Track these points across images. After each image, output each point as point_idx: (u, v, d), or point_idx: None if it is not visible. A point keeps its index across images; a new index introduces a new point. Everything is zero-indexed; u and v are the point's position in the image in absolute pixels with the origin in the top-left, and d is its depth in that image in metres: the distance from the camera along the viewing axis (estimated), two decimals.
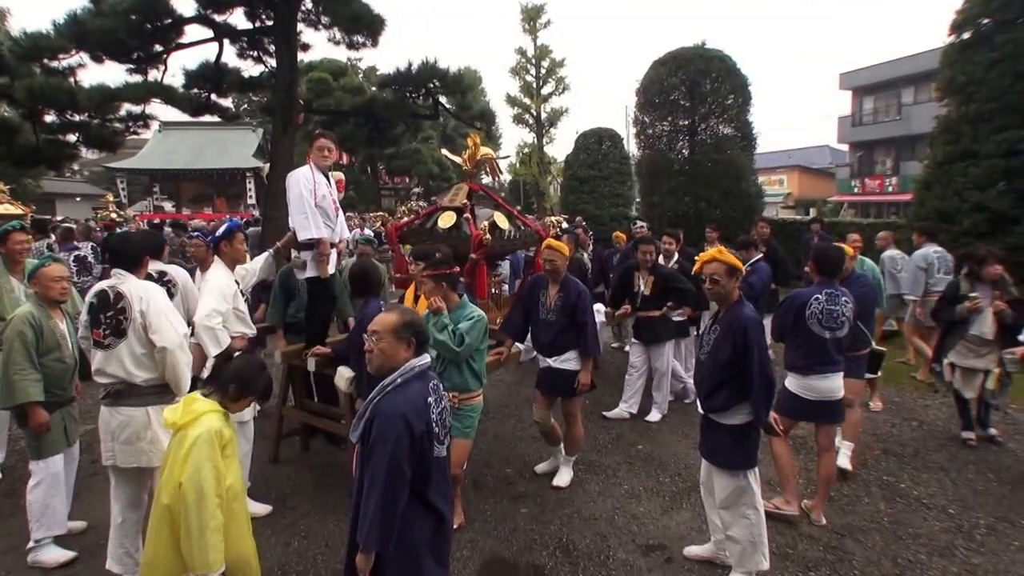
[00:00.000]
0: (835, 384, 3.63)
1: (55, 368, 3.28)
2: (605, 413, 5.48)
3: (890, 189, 26.60)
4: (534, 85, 25.56)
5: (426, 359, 2.20)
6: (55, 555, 3.27)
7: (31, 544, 3.25)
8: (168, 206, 29.53)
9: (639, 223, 9.37)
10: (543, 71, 25.39)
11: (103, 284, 3.06)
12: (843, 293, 3.67)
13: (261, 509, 3.74)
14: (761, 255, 5.95)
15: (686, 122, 12.27)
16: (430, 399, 2.13)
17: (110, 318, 2.93)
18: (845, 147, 31.64)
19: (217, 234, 4.00)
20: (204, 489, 2.20)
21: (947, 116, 8.64)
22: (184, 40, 11.23)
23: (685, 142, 12.45)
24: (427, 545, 2.14)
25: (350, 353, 3.78)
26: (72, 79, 11.19)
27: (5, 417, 4.13)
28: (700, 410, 3.14)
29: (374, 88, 16.39)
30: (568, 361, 4.03)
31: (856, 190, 28.75)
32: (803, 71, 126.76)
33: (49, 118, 11.81)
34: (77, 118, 11.81)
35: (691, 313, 5.60)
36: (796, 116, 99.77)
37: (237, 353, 2.84)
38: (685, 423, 5.26)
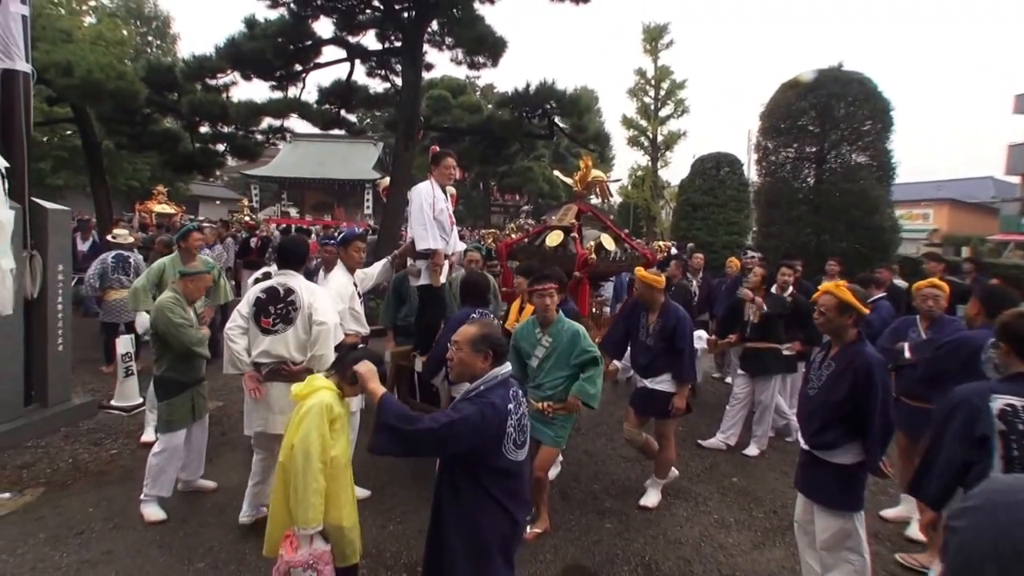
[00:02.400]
0: None
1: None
2: (700, 442, 5.37)
3: None
4: (652, 107, 25.25)
5: (507, 368, 2.32)
6: (154, 513, 3.72)
7: (142, 496, 3.76)
8: (293, 212, 31.89)
9: (750, 253, 9.00)
10: (662, 93, 25.03)
11: (271, 282, 3.56)
12: None
13: (361, 493, 4.01)
14: (884, 293, 5.59)
15: (814, 149, 11.56)
16: (510, 405, 2.21)
17: (280, 309, 3.42)
18: (1015, 179, 27.31)
19: (338, 240, 4.42)
20: (310, 452, 2.45)
21: None
22: (321, 60, 12.02)
23: (811, 170, 11.71)
24: (499, 545, 2.22)
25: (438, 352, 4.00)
26: (225, 95, 12.51)
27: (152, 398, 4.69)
28: (803, 445, 3.04)
29: (491, 106, 16.83)
30: (663, 383, 4.06)
31: None
32: (965, 95, 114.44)
33: (203, 129, 13.30)
34: (226, 130, 13.19)
35: (800, 348, 5.31)
36: (953, 143, 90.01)
37: (361, 345, 3.17)
38: (785, 461, 5.03)
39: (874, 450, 2.77)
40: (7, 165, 2.70)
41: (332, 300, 3.94)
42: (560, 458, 4.47)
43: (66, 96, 9.77)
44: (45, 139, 19.47)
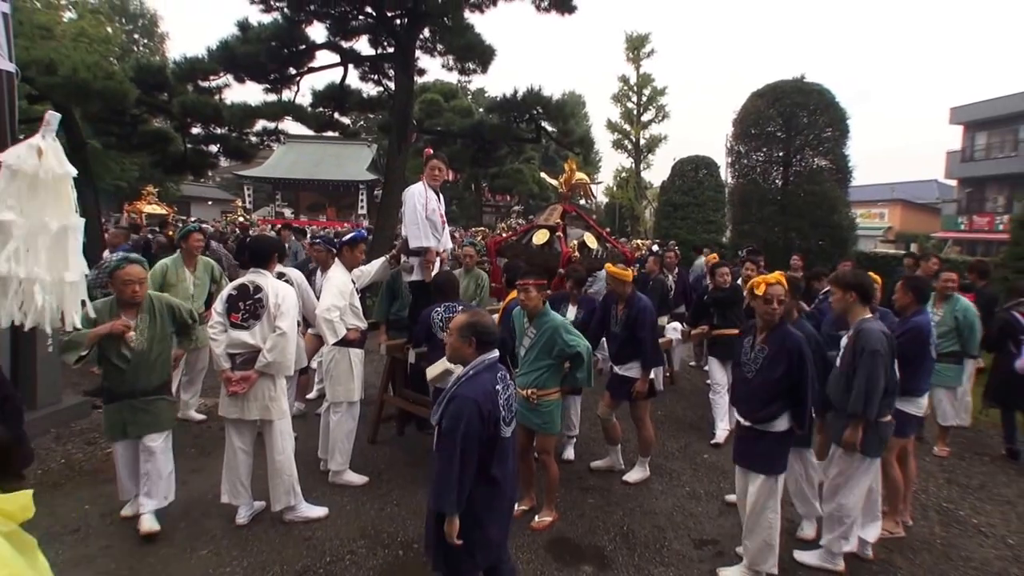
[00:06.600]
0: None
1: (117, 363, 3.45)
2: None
3: (1000, 227, 24.88)
4: (634, 112, 25.90)
5: (495, 354, 2.51)
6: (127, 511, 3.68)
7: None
8: (288, 212, 31.98)
9: (707, 250, 9.67)
10: (644, 99, 25.69)
11: (242, 279, 3.65)
12: None
13: (359, 479, 4.29)
14: None
15: (781, 153, 12.41)
16: (498, 387, 2.43)
17: (250, 305, 3.54)
18: (955, 182, 30.40)
19: (345, 239, 4.59)
20: None
21: None
22: (315, 64, 12.12)
23: (779, 173, 12.57)
24: (487, 511, 2.42)
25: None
26: (218, 97, 12.37)
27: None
28: (743, 422, 3.33)
29: (481, 110, 17.01)
30: (631, 369, 4.41)
31: (963, 227, 27.69)
32: (914, 104, 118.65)
33: (195, 130, 13.08)
34: (219, 131, 13.05)
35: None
36: (903, 149, 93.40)
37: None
38: None
39: (808, 416, 3.17)
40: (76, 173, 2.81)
41: (334, 297, 4.15)
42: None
43: (49, 95, 9.28)
44: (23, 137, 19.09)
